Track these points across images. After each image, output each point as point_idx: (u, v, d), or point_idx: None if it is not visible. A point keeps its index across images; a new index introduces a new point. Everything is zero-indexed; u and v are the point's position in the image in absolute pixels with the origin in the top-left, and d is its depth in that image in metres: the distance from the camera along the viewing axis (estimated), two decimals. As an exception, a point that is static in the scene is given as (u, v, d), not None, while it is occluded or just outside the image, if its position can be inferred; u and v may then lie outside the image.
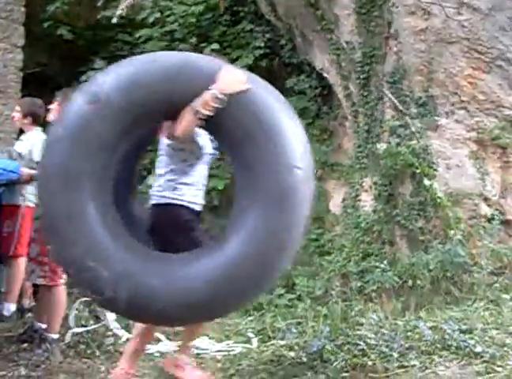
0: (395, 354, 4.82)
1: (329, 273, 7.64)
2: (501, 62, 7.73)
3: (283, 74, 9.98)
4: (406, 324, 5.50)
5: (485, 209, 7.44)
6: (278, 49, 10.05)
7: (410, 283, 6.78)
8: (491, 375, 4.55)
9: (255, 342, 5.74)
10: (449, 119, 7.74)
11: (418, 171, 7.33)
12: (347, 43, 8.36)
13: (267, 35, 9.99)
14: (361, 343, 4.91)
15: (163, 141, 4.11)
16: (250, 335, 5.93)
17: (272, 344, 5.55)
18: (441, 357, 4.89)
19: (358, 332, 5.18)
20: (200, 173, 4.20)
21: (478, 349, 4.92)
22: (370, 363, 4.72)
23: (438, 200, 7.12)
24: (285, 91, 9.50)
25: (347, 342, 4.96)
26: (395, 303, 6.53)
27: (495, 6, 7.75)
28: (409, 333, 5.27)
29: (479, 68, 7.74)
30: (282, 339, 5.63)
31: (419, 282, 6.73)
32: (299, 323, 6.04)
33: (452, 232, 7.03)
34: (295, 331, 5.71)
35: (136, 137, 3.92)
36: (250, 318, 6.65)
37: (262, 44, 9.80)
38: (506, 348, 5.00)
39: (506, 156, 7.72)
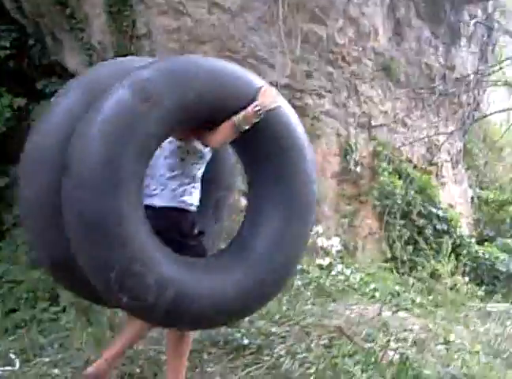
0: (163, 358, 4.72)
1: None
2: (252, 60, 7.92)
3: (33, 76, 9.51)
4: (174, 325, 5.41)
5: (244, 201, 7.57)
6: (27, 49, 9.58)
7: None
8: (259, 365, 4.62)
9: (18, 363, 5.29)
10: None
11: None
12: (99, 43, 8.13)
13: (13, 35, 9.44)
14: (130, 350, 4.75)
15: (174, 143, 3.90)
16: (12, 355, 5.45)
17: (36, 363, 5.19)
18: (210, 354, 4.88)
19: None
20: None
21: (245, 341, 4.99)
22: (138, 370, 4.59)
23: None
24: (36, 94, 9.11)
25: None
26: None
27: (243, 6, 7.92)
28: (177, 334, 5.21)
29: (232, 66, 7.87)
30: (47, 356, 5.30)
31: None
32: (65, 336, 5.72)
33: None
34: (58, 346, 5.43)
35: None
36: (11, 337, 6.15)
37: (8, 44, 9.24)
38: (272, 337, 5.12)
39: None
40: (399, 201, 9.12)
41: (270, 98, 3.78)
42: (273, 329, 5.28)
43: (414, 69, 10.24)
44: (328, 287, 6.65)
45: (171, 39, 7.81)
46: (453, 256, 8.73)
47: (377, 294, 6.73)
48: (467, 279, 8.89)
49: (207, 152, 3.96)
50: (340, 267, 7.13)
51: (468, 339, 5.88)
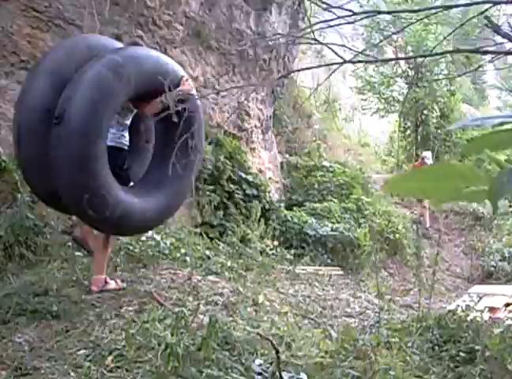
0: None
1: None
2: (59, 21, 7.61)
3: None
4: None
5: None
6: None
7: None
8: (69, 333, 4.55)
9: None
10: (10, 80, 7.41)
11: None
12: None
13: None
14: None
15: None
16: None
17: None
18: (17, 324, 4.72)
19: None
20: None
21: (55, 309, 4.90)
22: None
23: (3, 164, 6.79)
24: None
25: None
26: None
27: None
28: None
29: (37, 27, 7.51)
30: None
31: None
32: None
33: (20, 196, 6.78)
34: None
35: None
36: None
37: None
38: (82, 304, 5.09)
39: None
40: (209, 167, 9.20)
41: (189, 87, 5.48)
42: (83, 296, 5.22)
43: (225, 35, 10.34)
44: (138, 253, 6.64)
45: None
46: (262, 220, 8.96)
47: (187, 259, 6.80)
48: (276, 242, 9.17)
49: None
50: (150, 233, 7.11)
51: (278, 300, 6.06)
